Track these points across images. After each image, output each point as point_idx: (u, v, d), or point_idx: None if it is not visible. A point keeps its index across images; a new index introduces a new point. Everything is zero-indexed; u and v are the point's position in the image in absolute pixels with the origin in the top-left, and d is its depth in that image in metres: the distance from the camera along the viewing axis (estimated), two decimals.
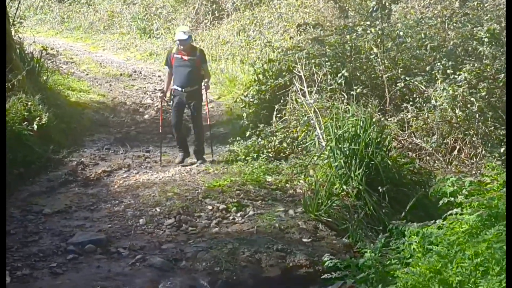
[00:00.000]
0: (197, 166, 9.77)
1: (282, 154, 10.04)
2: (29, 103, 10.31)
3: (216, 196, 8.44)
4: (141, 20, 20.67)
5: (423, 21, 11.83)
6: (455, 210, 5.70)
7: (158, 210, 8.12)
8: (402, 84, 10.52)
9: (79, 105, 12.89)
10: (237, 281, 6.64)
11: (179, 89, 9.81)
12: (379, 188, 8.06)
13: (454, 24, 11.53)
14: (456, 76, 9.96)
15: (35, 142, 9.88)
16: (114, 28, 21.10)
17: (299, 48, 12.24)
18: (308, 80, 10.82)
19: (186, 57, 9.70)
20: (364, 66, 11.43)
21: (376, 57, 11.08)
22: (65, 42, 19.87)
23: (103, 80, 15.18)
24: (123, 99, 13.82)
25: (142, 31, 20.24)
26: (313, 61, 11.31)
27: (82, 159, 10.22)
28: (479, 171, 8.79)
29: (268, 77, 12.00)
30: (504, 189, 5.72)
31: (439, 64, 10.37)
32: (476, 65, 10.14)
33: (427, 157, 9.68)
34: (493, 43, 10.53)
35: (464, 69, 10.01)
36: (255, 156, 9.83)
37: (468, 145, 9.64)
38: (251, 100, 11.81)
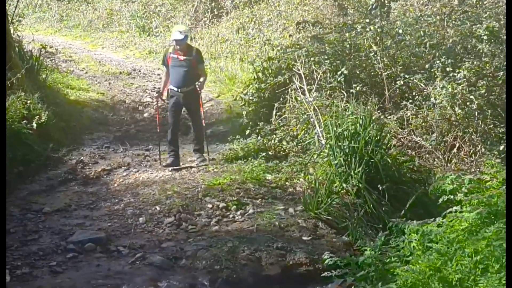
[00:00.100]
0: (196, 164, 9.76)
1: (282, 152, 10.03)
2: (28, 102, 10.31)
3: (216, 194, 8.44)
4: (140, 18, 20.64)
5: (422, 19, 11.82)
6: (454, 208, 5.70)
7: (158, 208, 8.12)
8: (402, 82, 10.52)
9: (79, 103, 12.88)
10: (237, 280, 6.65)
11: (175, 89, 9.69)
12: (378, 186, 8.07)
13: (453, 22, 11.52)
14: (455, 74, 9.95)
15: (34, 141, 9.88)
16: (113, 26, 21.06)
17: (298, 46, 12.23)
18: (307, 78, 10.82)
19: (182, 57, 9.58)
20: (364, 64, 11.42)
21: (375, 55, 11.08)
22: (64, 40, 19.83)
23: (102, 79, 15.16)
24: (123, 97, 13.81)
25: (141, 29, 20.21)
26: (312, 59, 11.31)
27: (82, 158, 10.22)
28: (478, 169, 8.80)
29: (268, 75, 11.99)
30: (504, 186, 5.72)
31: (438, 62, 10.37)
32: (475, 62, 10.14)
33: (427, 155, 9.68)
34: (492, 40, 10.53)
35: (463, 67, 10.01)
36: (254, 155, 9.83)
37: (468, 143, 9.65)
38: (250, 98, 11.80)
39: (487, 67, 10.13)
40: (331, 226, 7.87)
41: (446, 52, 10.69)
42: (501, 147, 9.17)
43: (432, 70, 10.40)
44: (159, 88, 10.70)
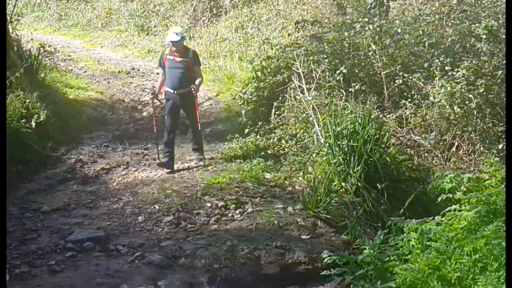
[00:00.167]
0: (195, 163, 9.75)
1: (281, 151, 10.03)
2: (27, 101, 10.30)
3: (215, 193, 8.45)
4: (139, 17, 20.63)
5: (421, 18, 11.82)
6: (453, 206, 5.70)
7: (157, 207, 8.12)
8: (401, 81, 10.53)
9: (77, 102, 12.87)
10: (236, 278, 6.66)
11: (172, 91, 9.56)
12: (377, 185, 8.07)
13: (452, 21, 11.52)
14: (454, 73, 9.96)
15: (33, 140, 9.88)
16: (112, 26, 21.05)
17: (297, 45, 12.22)
18: (306, 77, 10.81)
19: (178, 59, 9.46)
20: (363, 63, 11.42)
21: (374, 54, 11.08)
22: (63, 40, 19.82)
23: (101, 78, 15.16)
24: (122, 96, 13.81)
25: (140, 28, 20.20)
26: (311, 58, 11.30)
27: (81, 157, 10.22)
28: (477, 168, 8.81)
29: (267, 74, 11.99)
30: (503, 185, 5.73)
31: (437, 60, 10.37)
32: (474, 61, 10.14)
33: (426, 154, 9.69)
34: (491, 39, 10.53)
35: (462, 65, 10.01)
36: (253, 154, 9.83)
37: (466, 142, 9.65)
38: (249, 97, 11.79)
39: (486, 66, 10.14)
40: (330, 225, 7.87)
41: (445, 51, 10.70)
42: (500, 146, 9.18)
43: (431, 69, 10.41)
44: (154, 89, 10.65)
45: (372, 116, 9.02)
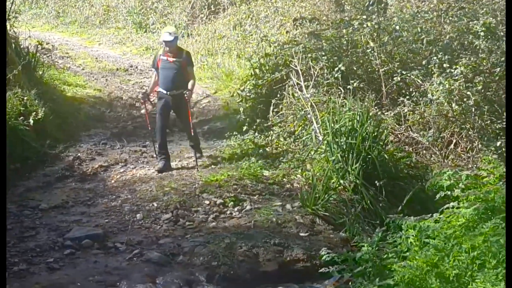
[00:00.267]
0: (194, 160, 9.73)
1: (279, 148, 10.03)
2: (25, 98, 10.28)
3: (213, 190, 8.45)
4: (136, 14, 20.58)
5: (419, 15, 11.80)
6: (451, 203, 5.71)
7: (155, 205, 8.12)
8: (399, 78, 10.51)
9: (75, 100, 12.85)
10: (234, 276, 6.67)
11: (164, 91, 9.41)
12: (376, 182, 8.06)
13: (450, 18, 11.51)
14: (452, 70, 9.95)
15: (31, 137, 9.86)
16: (110, 23, 21.00)
17: (295, 42, 12.22)
18: (304, 74, 10.82)
19: (172, 59, 9.34)
20: (361, 60, 11.41)
21: (372, 51, 11.06)
22: (61, 37, 19.77)
23: (99, 75, 15.13)
24: (120, 94, 13.79)
25: (138, 25, 20.15)
26: (309, 55, 11.29)
27: (79, 154, 10.21)
28: (475, 165, 8.82)
29: (265, 71, 11.98)
30: (501, 182, 5.74)
31: (435, 58, 10.36)
32: (472, 59, 10.13)
33: (424, 151, 9.69)
34: (489, 37, 10.52)
35: (460, 63, 10.00)
36: (252, 152, 9.82)
37: (465, 139, 9.66)
38: (247, 94, 11.78)
39: (484, 63, 10.13)
40: (329, 222, 7.88)
41: (443, 48, 10.68)
42: (498, 143, 9.18)
43: (429, 66, 10.40)
44: (146, 89, 10.57)
45: (370, 114, 9.02)
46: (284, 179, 8.97)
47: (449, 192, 6.08)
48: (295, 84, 10.55)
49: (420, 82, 10.41)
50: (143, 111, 10.81)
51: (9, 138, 8.90)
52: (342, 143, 8.53)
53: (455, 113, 9.80)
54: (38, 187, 9.03)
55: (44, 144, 10.09)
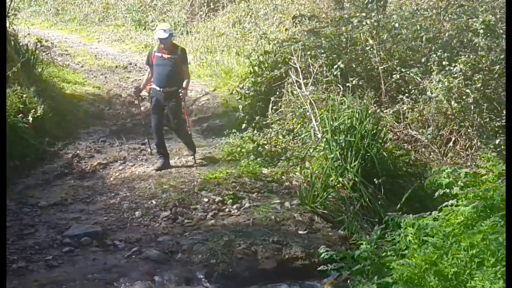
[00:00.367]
0: (192, 158, 9.71)
1: (278, 146, 10.03)
2: (24, 95, 10.28)
3: (212, 188, 8.45)
4: (136, 11, 20.55)
5: (418, 13, 11.81)
6: (450, 201, 5.71)
7: (154, 202, 8.12)
8: (398, 76, 10.52)
9: (74, 97, 12.83)
10: (233, 273, 6.67)
11: (158, 88, 9.31)
12: (374, 180, 8.08)
13: (450, 16, 11.51)
14: (451, 68, 9.96)
15: (30, 135, 9.86)
16: (109, 20, 20.96)
17: (294, 40, 12.22)
18: (303, 72, 10.81)
19: (166, 56, 9.22)
20: (360, 57, 11.42)
21: (371, 49, 11.07)
22: (60, 34, 19.73)
23: (98, 72, 15.10)
24: (119, 91, 13.76)
25: (137, 23, 20.12)
26: (308, 52, 11.30)
27: (78, 152, 10.20)
28: (474, 163, 8.81)
29: (264, 69, 11.98)
30: (500, 180, 5.73)
31: (434, 55, 10.37)
32: (471, 56, 10.14)
33: (423, 149, 9.70)
34: (488, 34, 10.52)
35: (459, 60, 10.01)
36: (250, 148, 9.82)
37: (464, 137, 9.66)
38: (246, 92, 11.78)
39: (483, 61, 10.14)
40: (327, 220, 7.88)
41: (442, 46, 10.69)
42: (497, 141, 9.19)
43: (428, 64, 10.41)
44: (139, 84, 10.51)
45: (370, 111, 9.02)
46: (283, 177, 8.96)
47: (448, 190, 6.07)
48: (294, 81, 10.55)
49: (419, 79, 10.41)
50: (142, 108, 10.78)
51: (8, 136, 8.89)
52: (341, 141, 8.53)
53: (454, 111, 9.81)
54: (37, 184, 9.03)
55: (43, 142, 10.09)
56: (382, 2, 12.00)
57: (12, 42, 11.70)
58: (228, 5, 18.90)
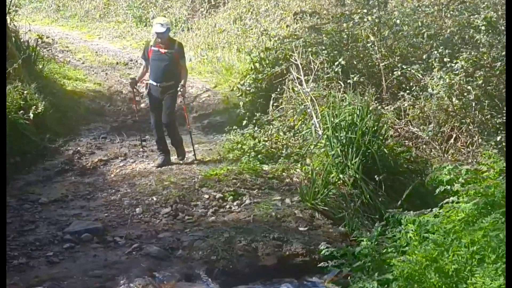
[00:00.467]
0: (193, 154, 9.69)
1: (279, 143, 10.02)
2: (25, 92, 10.28)
3: (212, 185, 8.45)
4: (137, 8, 20.53)
5: (420, 9, 11.78)
6: (451, 198, 5.71)
7: (155, 199, 8.12)
8: (399, 73, 10.50)
9: (75, 93, 12.84)
10: (233, 270, 6.67)
11: (154, 83, 9.24)
12: (375, 176, 8.06)
13: (451, 12, 11.49)
14: (452, 65, 9.93)
15: (31, 131, 9.86)
16: (110, 17, 20.95)
17: (295, 37, 12.20)
18: (304, 68, 10.80)
19: (163, 50, 9.13)
20: (361, 54, 11.40)
21: (373, 46, 11.05)
22: (61, 31, 19.73)
23: (99, 69, 15.11)
24: (119, 88, 13.76)
25: (138, 19, 20.10)
26: (309, 49, 11.28)
27: (78, 148, 10.21)
28: (475, 160, 8.80)
29: (265, 65, 11.97)
30: (501, 177, 5.73)
31: (435, 52, 10.34)
32: (472, 53, 10.11)
33: (424, 146, 9.68)
34: (490, 31, 10.50)
35: (461, 57, 9.98)
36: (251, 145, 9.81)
37: (465, 134, 9.64)
38: (247, 88, 11.78)
39: (485, 58, 10.11)
40: (328, 216, 7.88)
41: (443, 43, 10.67)
42: (498, 138, 9.16)
43: (430, 60, 10.38)
44: (134, 76, 10.38)
45: (370, 108, 9.00)
46: (283, 173, 8.96)
47: (448, 187, 6.07)
48: (295, 78, 10.54)
49: (421, 76, 10.39)
50: (142, 105, 10.78)
51: (9, 132, 8.90)
52: (342, 138, 8.52)
53: (455, 108, 9.79)
54: (38, 181, 9.03)
55: (44, 138, 10.09)
56: None
57: (13, 39, 11.70)
58: (229, 2, 18.88)
